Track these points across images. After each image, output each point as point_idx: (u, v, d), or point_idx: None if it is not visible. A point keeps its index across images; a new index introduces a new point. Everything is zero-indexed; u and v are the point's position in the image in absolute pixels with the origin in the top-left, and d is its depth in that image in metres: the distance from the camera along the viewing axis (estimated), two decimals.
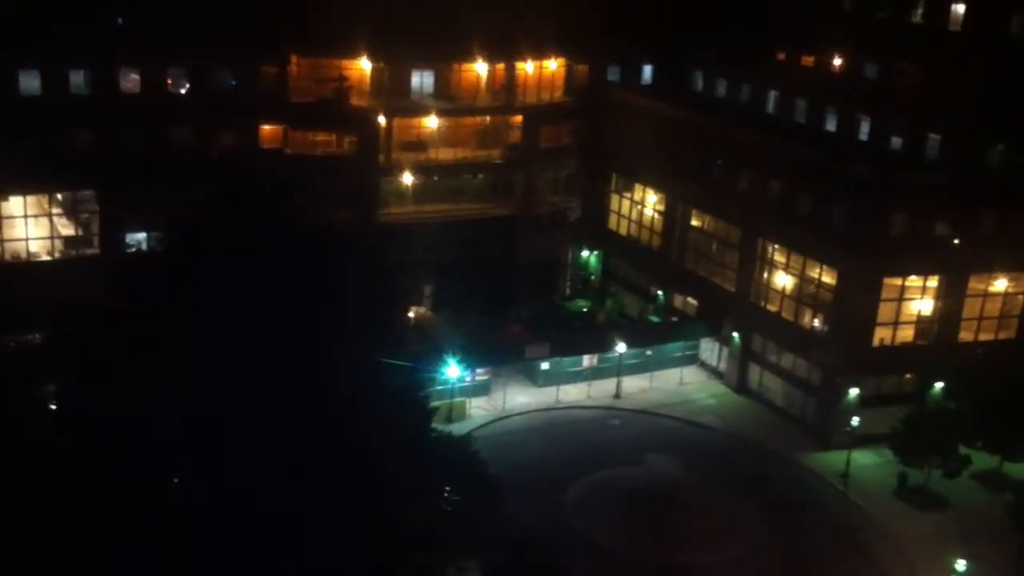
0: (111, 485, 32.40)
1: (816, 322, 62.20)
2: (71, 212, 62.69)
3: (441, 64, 69.88)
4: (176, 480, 34.85)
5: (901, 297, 59.77)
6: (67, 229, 62.26)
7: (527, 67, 70.91)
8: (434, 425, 43.00)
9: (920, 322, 60.55)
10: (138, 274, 43.32)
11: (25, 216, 60.17)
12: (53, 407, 37.38)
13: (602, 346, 65.84)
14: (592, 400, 64.96)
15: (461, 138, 70.92)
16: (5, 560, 29.66)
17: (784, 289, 63.93)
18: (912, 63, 65.70)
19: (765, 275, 65.14)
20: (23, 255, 60.31)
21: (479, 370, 62.80)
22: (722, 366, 68.72)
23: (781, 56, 75.19)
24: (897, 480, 56.83)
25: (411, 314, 66.99)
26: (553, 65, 72.56)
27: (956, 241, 59.34)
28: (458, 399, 60.65)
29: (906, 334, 60.54)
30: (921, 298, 60.29)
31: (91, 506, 31.25)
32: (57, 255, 61.12)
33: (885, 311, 59.43)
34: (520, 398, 64.05)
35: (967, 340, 61.08)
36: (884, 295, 59.15)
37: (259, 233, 41.01)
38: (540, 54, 71.25)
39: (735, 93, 75.27)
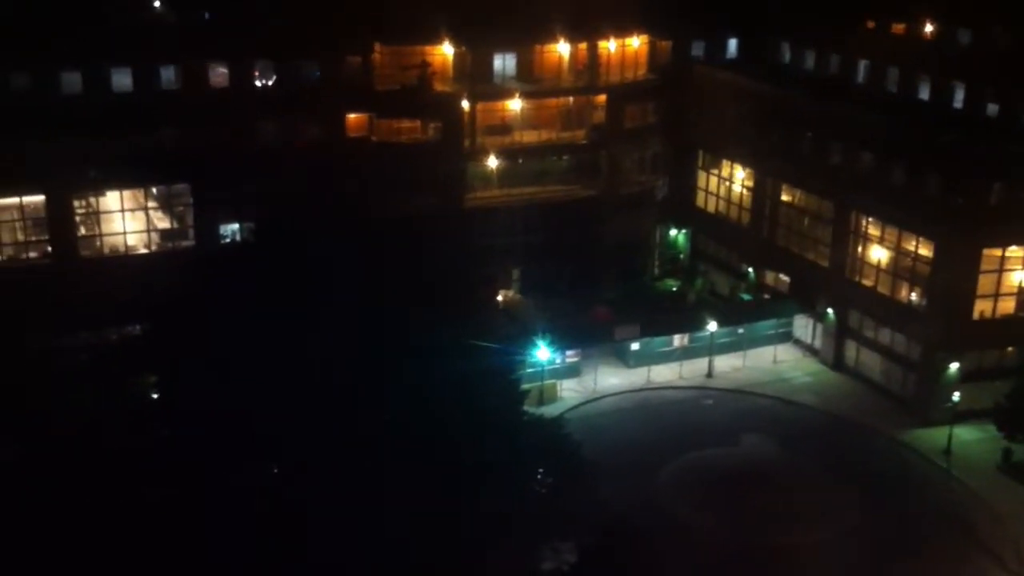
0: (210, 478, 32.97)
1: (914, 296, 60.76)
2: (166, 205, 64.11)
3: (523, 46, 69.65)
4: (276, 470, 35.39)
5: (1001, 268, 58.08)
6: (163, 222, 63.65)
7: (609, 45, 70.27)
8: (525, 408, 43.03)
9: (1021, 293, 58.77)
10: (231, 265, 43.98)
11: (122, 210, 61.61)
12: (154, 397, 38.31)
13: (693, 325, 65.22)
14: (684, 380, 64.43)
15: (545, 120, 70.67)
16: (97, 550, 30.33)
17: (880, 263, 62.57)
18: (1005, 27, 63.58)
19: (860, 249, 63.79)
20: (121, 248, 61.85)
21: (569, 352, 62.69)
22: (817, 343, 67.57)
23: (870, 24, 73.41)
24: (1001, 455, 55.39)
25: (500, 297, 67.20)
26: (636, 42, 71.79)
27: None
28: (548, 381, 60.64)
29: (1007, 306, 58.85)
30: (1022, 269, 58.50)
31: (187, 498, 31.82)
32: (154, 247, 62.53)
33: (985, 283, 57.82)
34: (611, 379, 63.80)
35: None
36: (983, 267, 57.53)
37: (347, 221, 41.52)
38: (622, 32, 70.55)
39: (824, 64, 73.65)
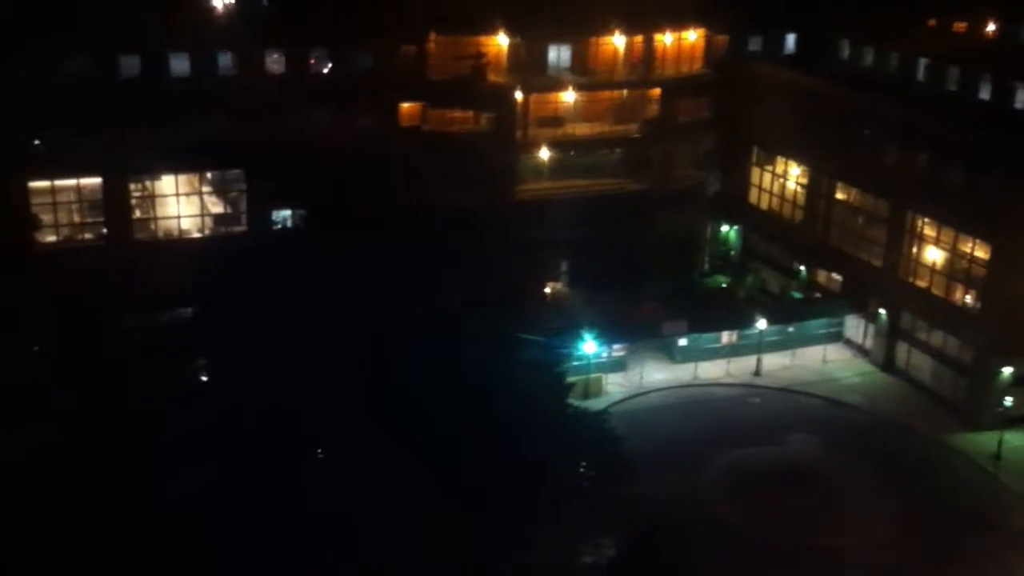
0: (256, 460, 33.31)
1: (968, 299, 59.87)
2: (220, 190, 64.82)
3: (578, 38, 69.40)
4: (320, 454, 35.66)
5: None
6: (216, 207, 64.36)
7: (665, 39, 69.87)
8: (570, 401, 43.01)
9: None
10: (281, 250, 44.37)
11: (177, 195, 62.41)
12: (204, 379, 38.79)
13: (742, 323, 64.79)
14: (731, 377, 64.04)
15: (598, 113, 70.42)
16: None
17: (934, 264, 61.73)
18: None
19: (914, 250, 62.96)
20: (175, 232, 62.64)
21: (615, 346, 62.56)
22: (868, 344, 66.83)
23: (931, 23, 72.28)
24: None
25: (547, 290, 67.16)
26: (692, 36, 71.30)
27: None
28: (594, 375, 60.56)
29: None
30: None
31: (227, 483, 32.13)
32: (207, 232, 63.26)
33: None
34: (657, 375, 63.57)
35: None
36: None
37: (397, 210, 41.70)
38: (679, 25, 70.10)
39: (883, 62, 72.62)
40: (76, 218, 61.12)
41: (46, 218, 60.13)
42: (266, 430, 33.75)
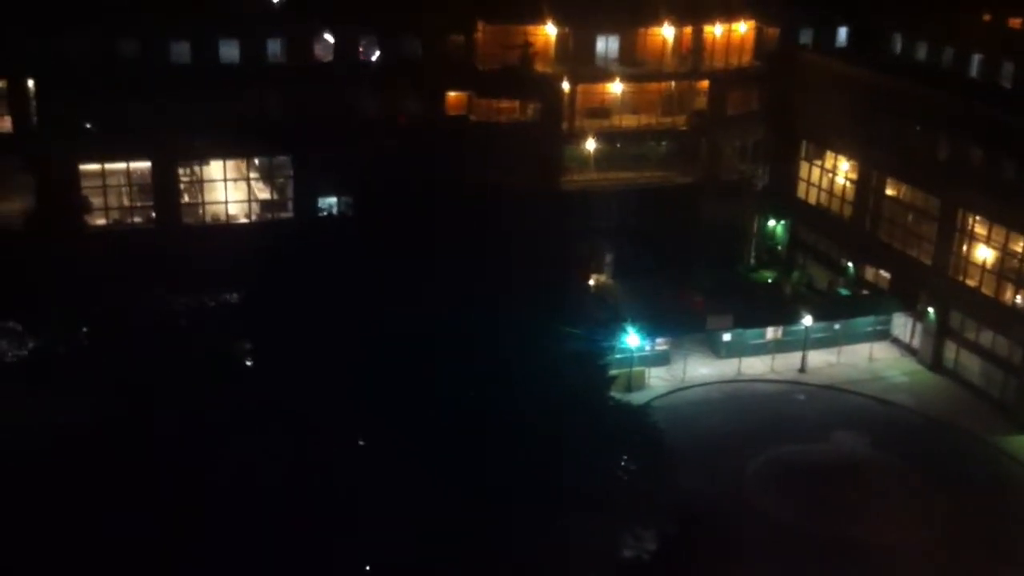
0: (293, 445, 33.40)
1: (1019, 298, 58.89)
2: (268, 176, 65.18)
3: (626, 28, 68.99)
4: (360, 442, 35.74)
5: None
6: (263, 193, 64.75)
7: (715, 30, 69.29)
8: (612, 393, 42.83)
9: None
10: (327, 236, 44.51)
11: (224, 180, 62.87)
12: (248, 364, 39.01)
13: (788, 318, 64.13)
14: (776, 374, 63.42)
15: (645, 104, 70.02)
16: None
17: (985, 263, 60.79)
18: None
19: (965, 248, 62.01)
20: (222, 217, 63.09)
21: (659, 340, 62.19)
22: (916, 342, 65.95)
23: (986, 17, 71.12)
24: None
25: (591, 281, 66.91)
26: (743, 28, 70.66)
27: None
28: (637, 368, 60.24)
29: None
30: None
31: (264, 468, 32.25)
32: (254, 217, 63.66)
33: None
34: (701, 369, 63.12)
35: None
36: None
37: (443, 199, 41.69)
38: (729, 16, 69.47)
39: (936, 56, 71.51)
40: (126, 201, 61.75)
41: (96, 201, 60.82)
42: (305, 417, 33.85)
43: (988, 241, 60.56)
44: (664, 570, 37.06)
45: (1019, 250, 58.28)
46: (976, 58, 68.68)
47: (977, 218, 61.22)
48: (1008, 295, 59.40)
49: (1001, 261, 59.76)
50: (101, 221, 61.27)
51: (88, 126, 60.16)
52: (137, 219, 62.02)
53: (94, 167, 60.30)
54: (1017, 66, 65.86)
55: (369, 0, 62.40)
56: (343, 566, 32.92)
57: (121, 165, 61.02)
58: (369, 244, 38.56)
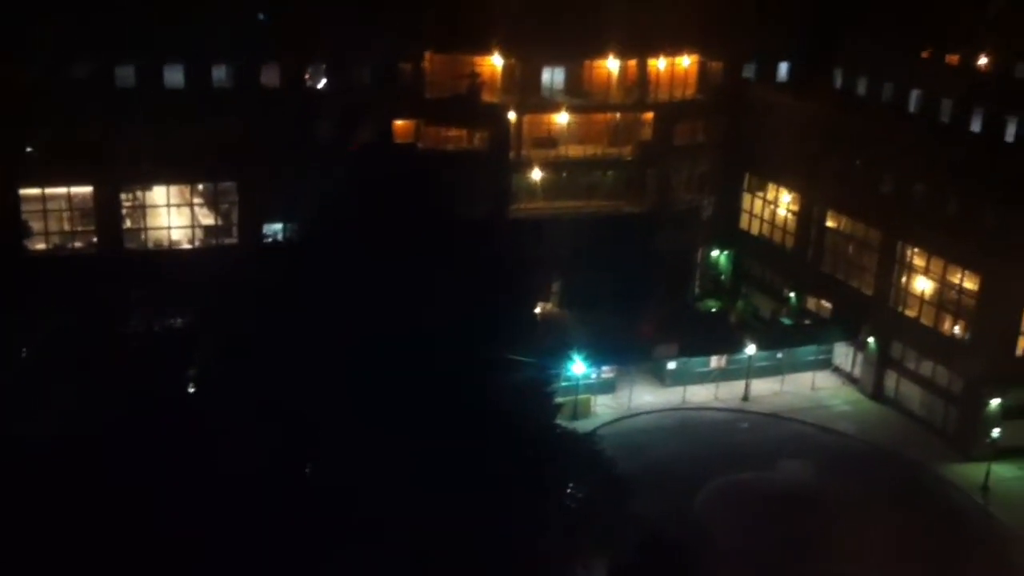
0: (243, 472, 32.93)
1: (957, 329, 59.95)
2: (212, 202, 64.51)
3: (573, 60, 69.60)
4: (308, 470, 35.34)
5: None
6: (207, 219, 64.05)
7: (660, 64, 70.07)
8: (559, 421, 42.74)
9: None
10: (272, 264, 44.07)
11: (168, 205, 62.11)
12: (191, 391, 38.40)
13: (732, 347, 64.70)
14: (720, 402, 63.92)
15: (592, 134, 70.54)
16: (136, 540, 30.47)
17: (924, 294, 61.84)
18: None
19: (904, 279, 63.11)
20: (165, 243, 62.29)
21: (605, 368, 62.35)
22: (857, 371, 66.81)
23: (925, 54, 72.71)
24: None
25: (538, 309, 66.86)
26: (686, 62, 71.55)
27: None
28: (583, 396, 60.34)
29: None
30: None
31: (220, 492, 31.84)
32: (197, 243, 62.92)
33: None
34: (646, 397, 63.40)
35: None
36: None
37: (390, 226, 41.45)
38: (673, 51, 70.32)
39: (876, 91, 72.88)
40: (66, 226, 60.76)
41: (36, 225, 59.77)
42: (255, 440, 33.36)
43: (927, 272, 61.63)
44: None
45: (957, 281, 59.35)
46: (914, 94, 70.04)
47: (916, 250, 62.30)
48: (947, 325, 60.42)
49: (940, 292, 60.81)
50: (41, 246, 60.17)
51: (29, 149, 59.18)
52: (78, 244, 61.02)
53: (34, 191, 59.29)
54: (955, 102, 67.30)
55: (318, 28, 62.19)
56: None
57: (62, 189, 60.06)
58: (313, 272, 38.18)
